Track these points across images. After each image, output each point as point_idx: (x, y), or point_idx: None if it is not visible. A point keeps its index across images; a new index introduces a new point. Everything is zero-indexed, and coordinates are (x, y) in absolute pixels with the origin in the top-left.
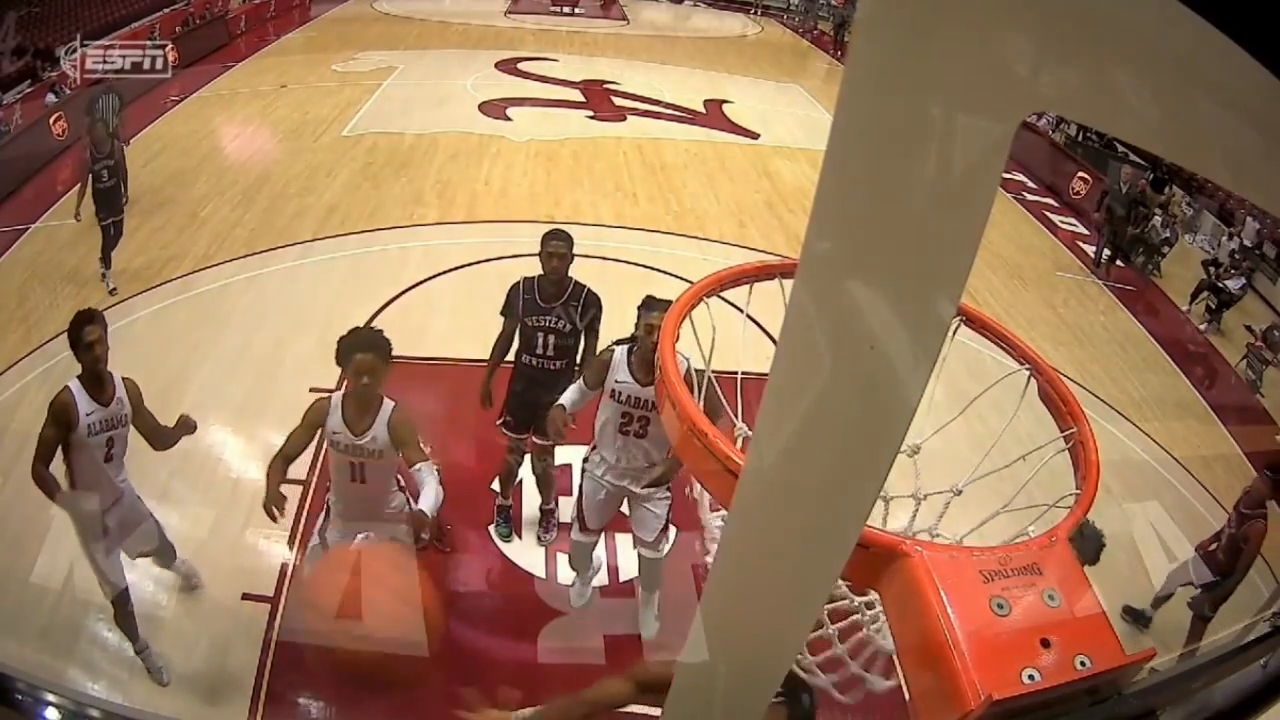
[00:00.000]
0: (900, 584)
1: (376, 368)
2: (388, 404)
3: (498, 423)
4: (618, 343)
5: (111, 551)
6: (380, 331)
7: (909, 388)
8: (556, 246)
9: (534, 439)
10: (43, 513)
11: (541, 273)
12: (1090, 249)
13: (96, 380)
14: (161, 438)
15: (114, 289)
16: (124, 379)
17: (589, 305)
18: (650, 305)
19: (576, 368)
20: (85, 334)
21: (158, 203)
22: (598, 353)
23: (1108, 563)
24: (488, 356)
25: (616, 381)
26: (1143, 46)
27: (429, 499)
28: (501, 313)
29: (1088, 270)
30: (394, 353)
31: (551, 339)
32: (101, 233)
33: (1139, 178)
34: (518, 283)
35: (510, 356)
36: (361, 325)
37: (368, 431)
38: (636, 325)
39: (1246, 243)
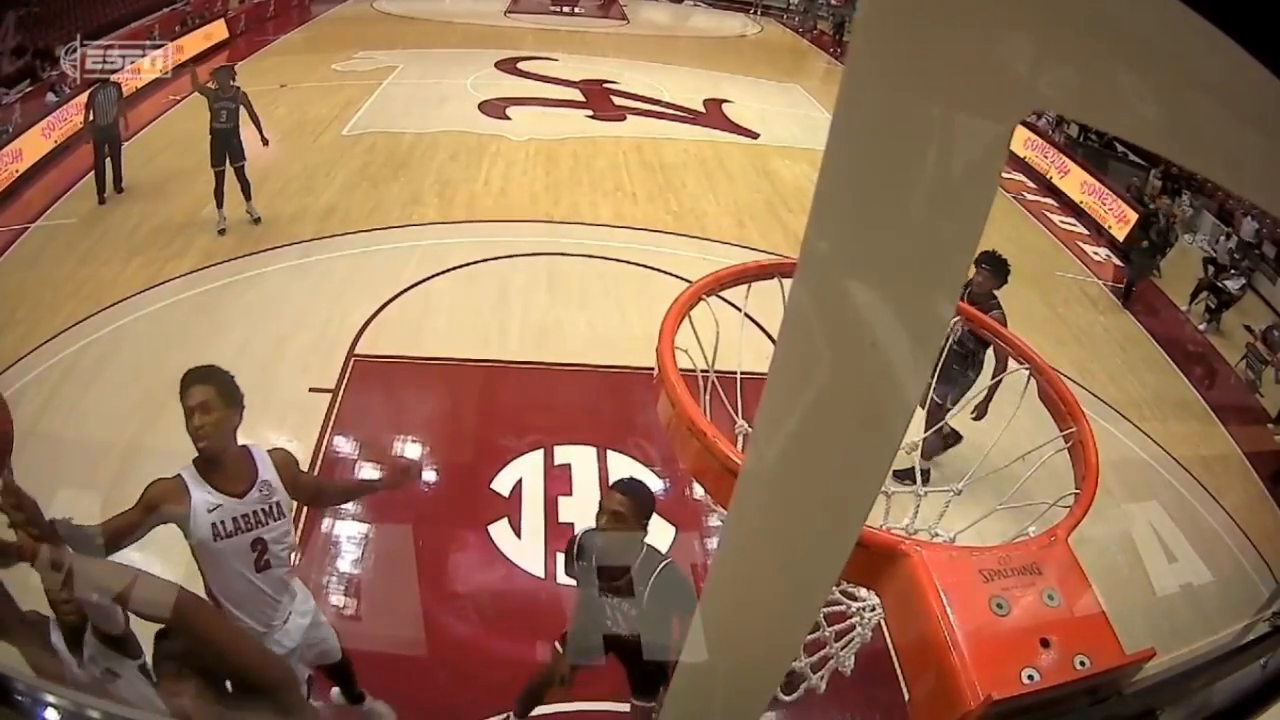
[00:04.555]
0: (900, 584)
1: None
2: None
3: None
4: None
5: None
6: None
7: (908, 387)
8: (615, 502)
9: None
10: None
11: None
12: (1090, 249)
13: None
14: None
15: (224, 230)
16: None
17: (663, 592)
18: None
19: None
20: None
21: (158, 201)
22: None
23: (1108, 563)
24: None
25: None
26: (1143, 46)
27: None
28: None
29: (1089, 272)
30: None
31: (619, 616)
32: (215, 177)
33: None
34: (574, 539)
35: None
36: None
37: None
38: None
39: (1246, 239)
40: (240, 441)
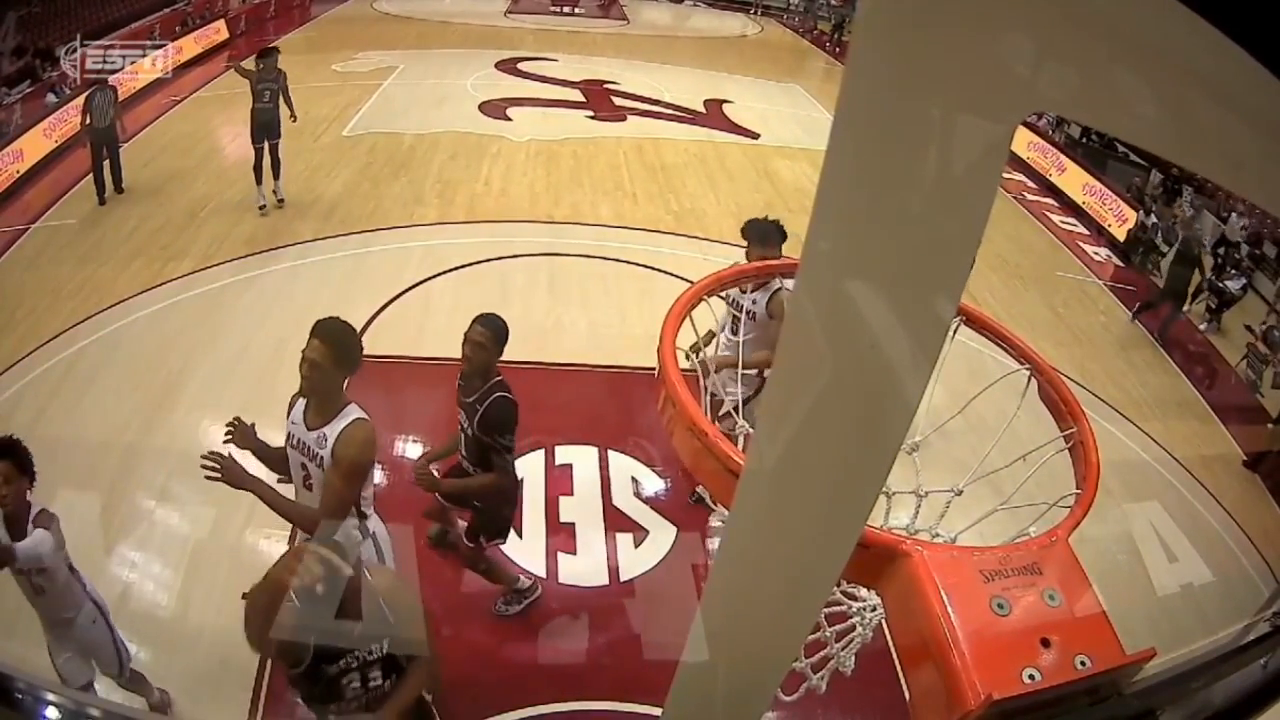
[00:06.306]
0: (900, 583)
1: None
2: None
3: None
4: None
5: None
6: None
7: (909, 387)
8: (475, 333)
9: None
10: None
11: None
12: (1090, 249)
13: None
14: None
15: (264, 207)
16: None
17: (489, 419)
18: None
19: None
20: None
21: (158, 202)
22: None
23: (1109, 563)
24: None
25: None
26: (1143, 46)
27: None
28: None
29: (1090, 272)
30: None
31: (462, 439)
32: (255, 154)
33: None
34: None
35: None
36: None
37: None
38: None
39: (1237, 239)
40: (343, 401)
